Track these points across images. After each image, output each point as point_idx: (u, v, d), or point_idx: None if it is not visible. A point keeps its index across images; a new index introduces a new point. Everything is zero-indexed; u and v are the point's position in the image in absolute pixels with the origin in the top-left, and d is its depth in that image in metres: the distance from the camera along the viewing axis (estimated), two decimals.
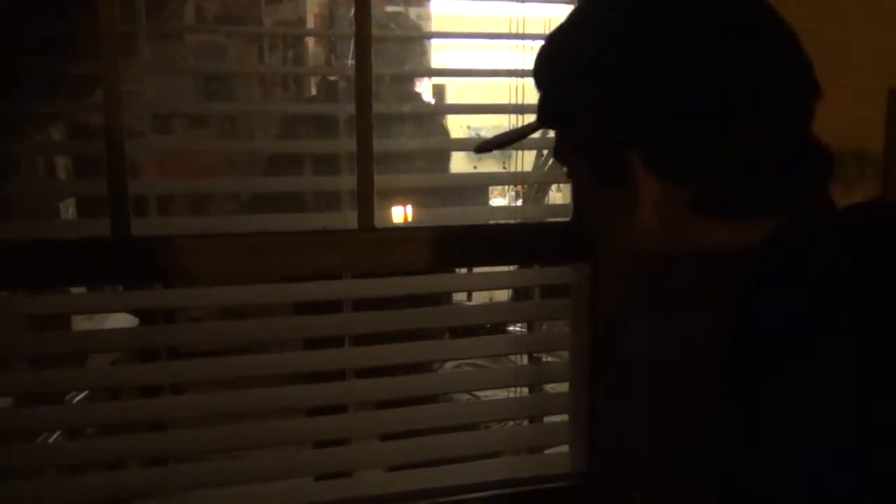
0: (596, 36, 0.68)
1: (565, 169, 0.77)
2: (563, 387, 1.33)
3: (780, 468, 0.55)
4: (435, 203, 1.34)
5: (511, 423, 1.44)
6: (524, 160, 1.43)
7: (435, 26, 3.89)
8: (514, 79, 1.27)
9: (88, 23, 1.06)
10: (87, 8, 1.06)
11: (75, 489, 1.14)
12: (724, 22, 0.64)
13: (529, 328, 2.70)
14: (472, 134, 2.73)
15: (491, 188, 3.07)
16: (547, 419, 1.43)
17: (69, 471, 1.43)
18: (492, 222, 1.34)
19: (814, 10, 1.22)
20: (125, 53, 1.14)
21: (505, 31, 1.28)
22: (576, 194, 0.74)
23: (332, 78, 2.77)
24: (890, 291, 0.57)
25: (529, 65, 0.76)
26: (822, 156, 0.68)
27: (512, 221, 1.33)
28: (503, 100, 1.28)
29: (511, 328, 2.93)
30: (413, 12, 3.35)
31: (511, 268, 1.57)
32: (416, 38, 1.46)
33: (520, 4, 1.26)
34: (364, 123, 1.14)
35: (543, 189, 3.08)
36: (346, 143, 1.18)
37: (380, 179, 1.15)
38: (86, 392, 1.61)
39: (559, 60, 0.71)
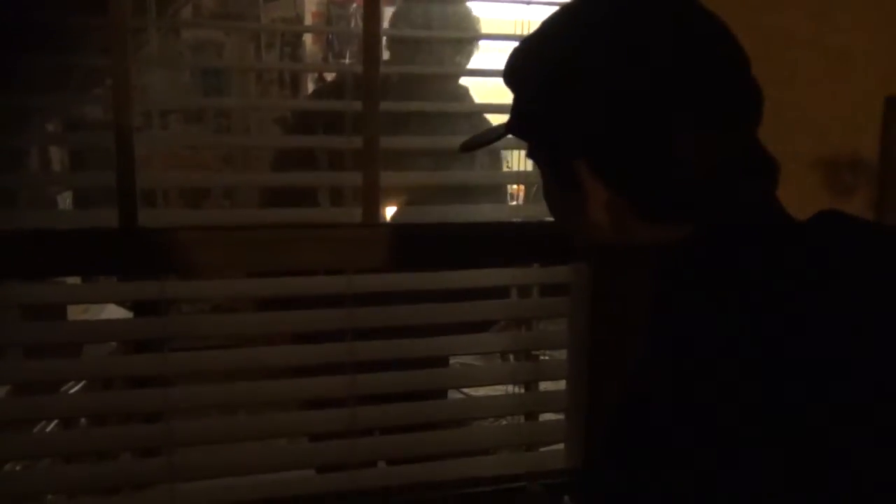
0: (545, 52, 0.74)
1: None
2: (558, 384, 1.34)
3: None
4: (447, 202, 1.36)
5: (507, 419, 1.46)
6: (524, 160, 1.44)
7: None
8: None
9: (97, 17, 1.07)
10: (96, 2, 1.07)
11: (69, 478, 1.15)
12: (659, 44, 0.69)
13: (527, 326, 2.70)
14: None
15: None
16: (542, 417, 1.45)
17: (63, 460, 1.44)
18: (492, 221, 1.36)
19: (811, 18, 1.24)
20: (136, 48, 1.15)
21: (510, 33, 1.29)
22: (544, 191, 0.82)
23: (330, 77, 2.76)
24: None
25: None
26: (763, 167, 0.73)
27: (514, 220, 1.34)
28: (508, 101, 1.29)
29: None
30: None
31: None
32: (422, 39, 1.47)
33: (525, 7, 1.27)
34: (371, 120, 1.15)
35: None
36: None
37: (385, 176, 1.17)
38: (83, 382, 1.61)
39: (514, 74, 0.78)
